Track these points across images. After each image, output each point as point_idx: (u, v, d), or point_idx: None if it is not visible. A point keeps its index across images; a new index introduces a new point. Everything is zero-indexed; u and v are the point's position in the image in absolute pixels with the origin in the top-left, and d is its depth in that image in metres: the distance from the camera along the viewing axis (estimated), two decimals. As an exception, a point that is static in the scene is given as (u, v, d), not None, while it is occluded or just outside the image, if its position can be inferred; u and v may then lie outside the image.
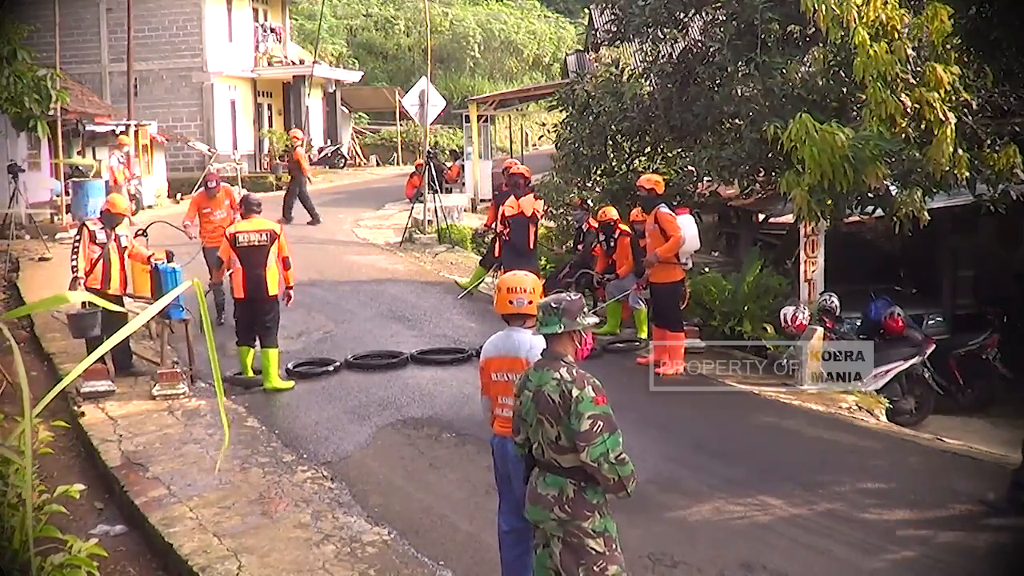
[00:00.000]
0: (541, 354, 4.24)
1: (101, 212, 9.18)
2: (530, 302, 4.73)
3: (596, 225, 11.51)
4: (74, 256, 8.73)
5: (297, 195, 18.13)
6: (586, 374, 4.05)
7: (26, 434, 2.17)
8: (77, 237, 8.86)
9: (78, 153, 19.84)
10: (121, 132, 19.61)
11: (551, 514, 4.03)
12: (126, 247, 9.01)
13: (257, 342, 8.80)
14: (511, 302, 4.75)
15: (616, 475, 3.90)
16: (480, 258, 13.41)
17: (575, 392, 3.94)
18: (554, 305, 4.13)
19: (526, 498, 4.20)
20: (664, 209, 9.33)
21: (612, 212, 10.93)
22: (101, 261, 8.78)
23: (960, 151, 7.73)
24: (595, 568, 3.97)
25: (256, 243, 8.66)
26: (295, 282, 9.22)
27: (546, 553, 4.09)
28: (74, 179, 17.66)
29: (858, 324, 10.37)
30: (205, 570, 5.33)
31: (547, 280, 11.42)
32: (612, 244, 10.91)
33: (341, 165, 31.01)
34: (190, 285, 3.02)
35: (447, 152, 29.15)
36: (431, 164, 17.78)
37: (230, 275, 8.83)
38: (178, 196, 22.27)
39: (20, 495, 4.35)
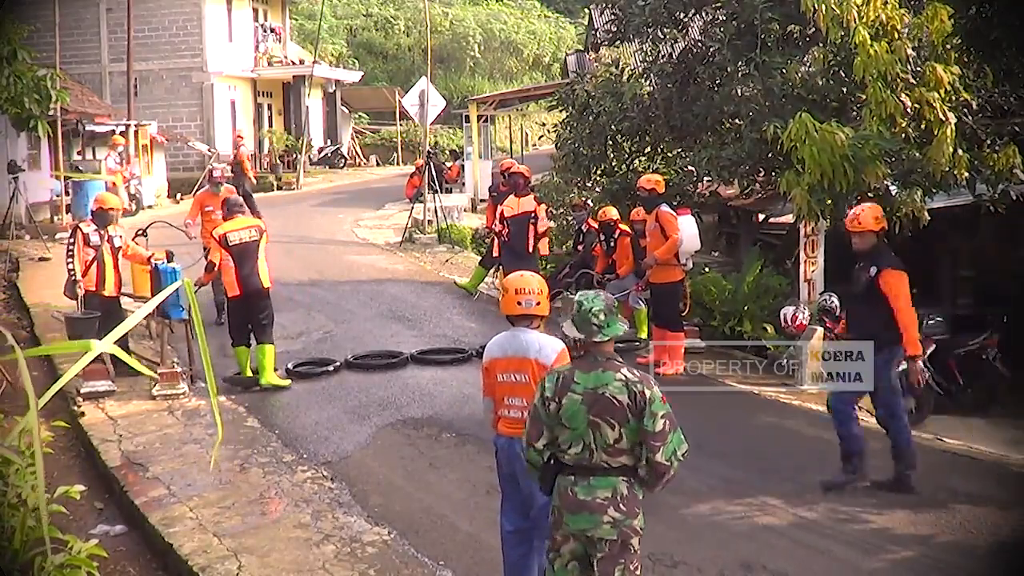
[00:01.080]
0: (584, 355, 4.03)
1: (93, 212, 9.16)
2: (538, 303, 4.71)
3: (596, 225, 11.51)
4: (69, 259, 8.72)
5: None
6: (645, 373, 4.01)
7: (35, 435, 2.16)
8: (71, 240, 8.85)
9: (78, 153, 19.84)
10: (120, 132, 19.62)
11: (604, 517, 3.88)
12: (120, 247, 9.01)
13: (253, 340, 8.81)
14: (520, 303, 4.71)
15: (675, 471, 3.95)
16: (480, 258, 13.40)
17: (647, 392, 3.87)
18: (614, 306, 4.06)
19: (563, 509, 3.96)
20: (665, 208, 9.34)
21: (612, 212, 10.93)
22: (95, 263, 8.78)
23: (960, 151, 7.73)
24: (631, 567, 3.96)
25: (248, 240, 8.71)
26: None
27: (568, 570, 3.97)
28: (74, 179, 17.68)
29: (858, 324, 10.35)
30: (205, 570, 5.33)
31: (547, 280, 11.40)
32: (612, 244, 10.91)
33: (341, 165, 31.03)
34: (180, 284, 3.04)
35: (447, 152, 29.16)
36: (431, 164, 17.78)
37: (221, 275, 8.86)
38: (178, 196, 22.29)
39: (20, 495, 4.35)
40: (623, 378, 3.90)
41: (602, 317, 3.97)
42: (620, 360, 4.02)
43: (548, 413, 3.97)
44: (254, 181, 18.34)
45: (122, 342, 9.09)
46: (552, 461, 4.02)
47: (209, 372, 2.94)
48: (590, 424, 3.89)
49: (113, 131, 19.88)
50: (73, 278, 8.66)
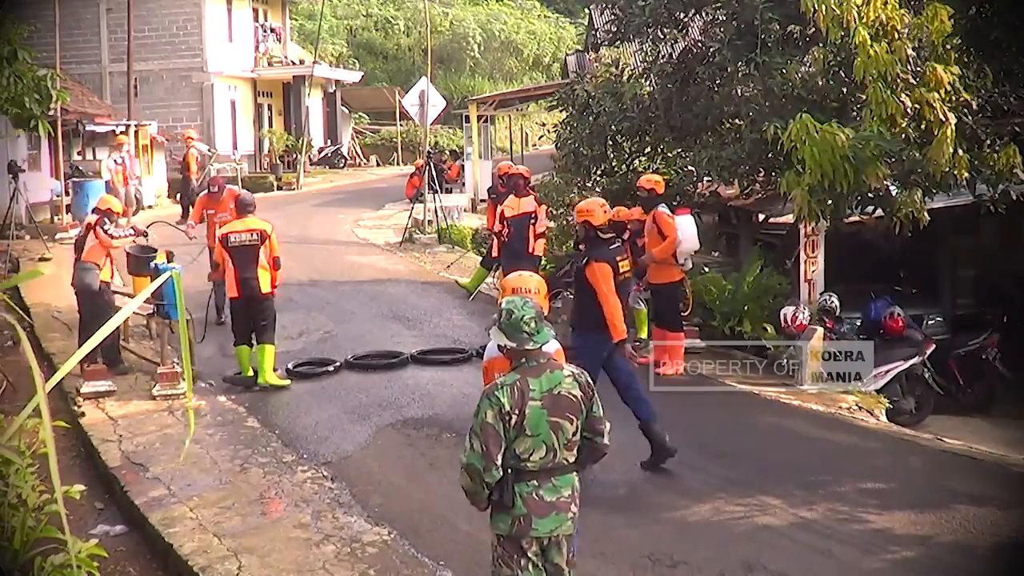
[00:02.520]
0: (524, 362, 3.98)
1: (103, 212, 9.20)
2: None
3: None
4: (102, 229, 8.95)
5: (188, 194, 18.15)
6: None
7: (44, 417, 2.15)
8: (103, 227, 9.06)
9: (78, 153, 19.84)
10: (121, 132, 19.61)
11: (568, 514, 3.94)
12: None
13: (254, 339, 8.81)
14: None
15: None
16: (480, 258, 13.40)
17: (588, 380, 4.03)
18: (542, 314, 4.08)
19: (532, 515, 3.90)
20: (662, 209, 9.33)
21: (625, 211, 10.92)
22: (108, 258, 9.01)
23: (960, 151, 7.73)
24: (574, 553, 4.08)
25: (247, 243, 8.68)
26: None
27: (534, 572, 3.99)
28: (74, 179, 17.66)
29: (858, 324, 10.36)
30: (205, 570, 5.33)
31: (547, 280, 11.39)
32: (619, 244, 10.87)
33: (341, 165, 31.02)
34: (170, 275, 3.04)
35: (447, 152, 29.15)
36: (431, 164, 17.79)
37: (224, 275, 8.87)
38: (178, 196, 22.25)
39: (20, 495, 4.36)
40: (570, 373, 4.00)
41: (532, 325, 3.95)
42: (552, 357, 4.11)
43: (507, 427, 3.85)
44: (195, 183, 18.63)
45: (112, 340, 9.19)
46: (509, 472, 3.92)
47: (187, 357, 2.95)
48: (551, 426, 3.89)
49: (113, 131, 19.88)
50: (135, 231, 9.18)
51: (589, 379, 4.04)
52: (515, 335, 3.94)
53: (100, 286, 8.92)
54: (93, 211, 9.54)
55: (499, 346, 4.11)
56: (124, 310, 2.70)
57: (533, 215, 10.76)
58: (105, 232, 8.92)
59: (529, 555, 3.96)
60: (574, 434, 3.94)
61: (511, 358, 4.03)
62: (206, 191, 11.61)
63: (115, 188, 17.46)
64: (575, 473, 4.01)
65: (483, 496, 3.93)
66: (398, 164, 32.56)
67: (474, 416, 3.89)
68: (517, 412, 3.84)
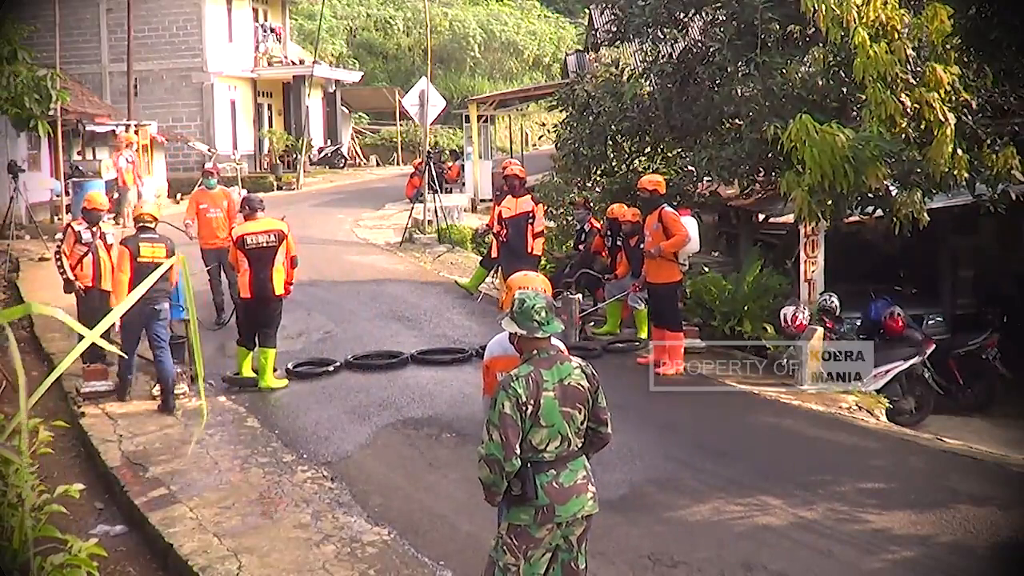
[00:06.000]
0: (536, 353, 4.09)
1: (83, 211, 9.19)
2: None
3: (598, 225, 11.52)
4: (58, 259, 8.81)
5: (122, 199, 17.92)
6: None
7: (22, 407, 2.16)
8: (61, 239, 8.94)
9: (78, 153, 19.85)
10: (123, 131, 19.61)
11: (587, 494, 4.08)
12: (111, 244, 8.99)
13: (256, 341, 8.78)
14: None
15: None
16: (480, 259, 13.40)
17: (593, 371, 4.14)
18: (552, 304, 4.19)
19: (554, 503, 3.99)
20: (669, 209, 9.34)
21: (621, 209, 10.94)
22: (92, 260, 8.78)
23: (960, 151, 7.73)
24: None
25: (265, 244, 8.57)
26: (296, 282, 9.17)
27: (541, 561, 4.08)
28: (74, 179, 17.66)
29: (858, 324, 10.36)
30: (205, 570, 5.34)
31: (551, 280, 11.40)
32: (617, 243, 10.89)
33: (341, 165, 31.04)
34: (175, 260, 3.02)
35: (447, 152, 29.18)
36: (431, 164, 17.80)
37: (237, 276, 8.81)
38: (178, 196, 22.27)
39: (20, 495, 4.35)
40: (578, 364, 4.13)
41: (543, 314, 4.09)
42: (561, 349, 4.24)
43: (523, 417, 3.95)
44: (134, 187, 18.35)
45: (106, 334, 9.13)
46: (528, 465, 3.99)
47: (199, 358, 2.95)
48: (564, 416, 4.01)
49: (113, 131, 19.88)
50: (66, 277, 8.71)
51: (594, 370, 4.15)
52: (525, 323, 4.07)
53: (75, 290, 8.82)
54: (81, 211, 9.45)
55: (510, 336, 4.20)
56: (120, 306, 2.69)
57: (530, 215, 10.77)
58: (58, 251, 8.89)
59: (543, 543, 4.05)
60: (582, 423, 4.07)
61: (521, 349, 4.14)
62: (201, 185, 11.56)
63: (124, 186, 17.46)
64: (584, 456, 4.14)
65: (501, 488, 3.99)
66: (398, 164, 32.58)
67: (490, 409, 3.99)
68: (533, 402, 3.96)
